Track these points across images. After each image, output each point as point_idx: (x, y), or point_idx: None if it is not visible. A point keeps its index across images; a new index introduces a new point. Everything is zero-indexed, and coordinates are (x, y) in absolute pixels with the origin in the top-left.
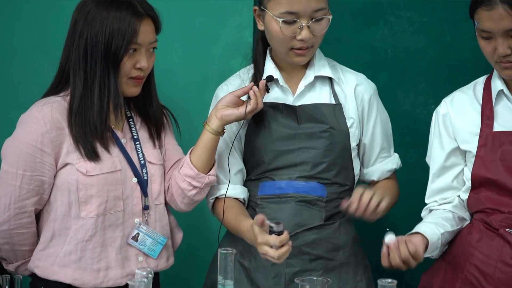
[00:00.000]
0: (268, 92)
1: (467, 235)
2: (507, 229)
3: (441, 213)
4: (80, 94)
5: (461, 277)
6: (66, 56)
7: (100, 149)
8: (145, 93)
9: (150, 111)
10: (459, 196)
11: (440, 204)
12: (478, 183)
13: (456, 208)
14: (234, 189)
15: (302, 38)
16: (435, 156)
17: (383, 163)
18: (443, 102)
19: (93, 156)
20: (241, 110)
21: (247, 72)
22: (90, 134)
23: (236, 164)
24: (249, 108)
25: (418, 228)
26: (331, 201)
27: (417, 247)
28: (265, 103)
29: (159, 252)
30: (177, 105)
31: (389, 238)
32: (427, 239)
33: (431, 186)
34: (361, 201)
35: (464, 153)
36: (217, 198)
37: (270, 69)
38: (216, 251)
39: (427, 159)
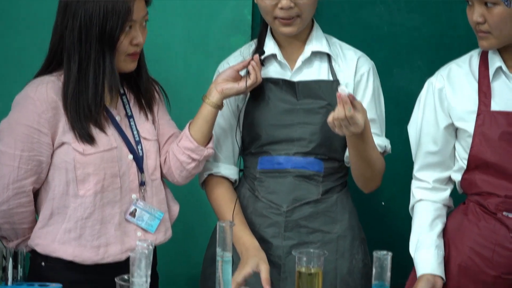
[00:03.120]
0: (263, 65)
1: (463, 217)
2: (504, 213)
3: (435, 217)
4: (75, 77)
5: (458, 259)
6: (58, 38)
7: (95, 131)
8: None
9: (140, 83)
10: (449, 177)
11: (431, 189)
12: (474, 165)
13: (447, 200)
14: (229, 169)
15: (282, 6)
16: (428, 130)
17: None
18: (438, 75)
19: (88, 139)
20: (241, 84)
21: (248, 48)
22: (84, 118)
23: (233, 144)
24: (249, 82)
25: (430, 267)
26: (328, 176)
27: None
28: (264, 79)
29: (157, 226)
30: (177, 82)
31: (342, 89)
32: (443, 278)
33: (424, 160)
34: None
35: (455, 129)
36: (210, 174)
37: (269, 45)
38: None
39: (411, 127)
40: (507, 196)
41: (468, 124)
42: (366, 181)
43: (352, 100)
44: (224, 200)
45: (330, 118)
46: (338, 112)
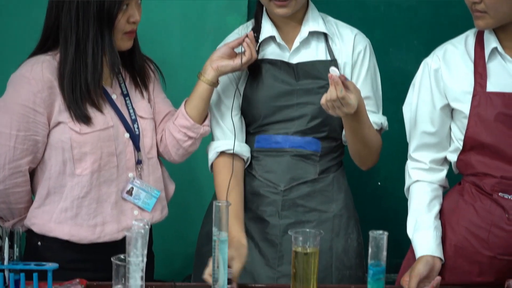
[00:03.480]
0: (257, 41)
1: (458, 198)
2: (500, 194)
3: (432, 198)
4: (72, 57)
5: (454, 240)
6: (53, 18)
7: (91, 110)
8: None
9: (134, 61)
10: (445, 158)
11: (428, 170)
12: (469, 146)
13: (443, 181)
14: (240, 146)
15: None
16: (424, 111)
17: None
18: (434, 56)
19: (84, 119)
20: (237, 61)
21: (245, 28)
22: (80, 98)
23: (242, 120)
24: (244, 59)
25: (429, 248)
26: (325, 156)
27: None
28: (263, 60)
29: (154, 205)
30: (173, 62)
31: (333, 69)
32: (442, 259)
33: (421, 140)
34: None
35: (451, 110)
36: (222, 152)
37: (267, 26)
38: (210, 202)
39: (405, 108)
40: (503, 177)
41: (463, 105)
42: (363, 159)
43: (343, 81)
44: (225, 188)
45: (323, 100)
46: (330, 94)
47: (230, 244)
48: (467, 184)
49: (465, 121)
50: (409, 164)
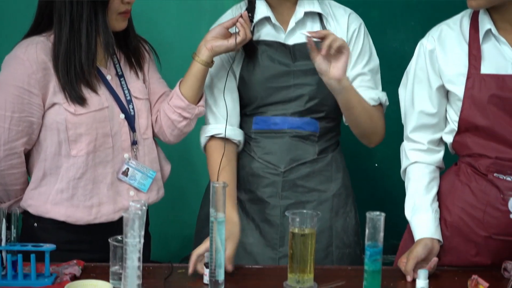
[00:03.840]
0: (252, 22)
1: (454, 178)
2: (495, 174)
3: (430, 180)
4: (66, 38)
5: (450, 220)
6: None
7: (85, 91)
8: None
9: (128, 41)
10: (441, 138)
11: (426, 151)
12: (464, 127)
13: (440, 162)
14: (233, 130)
15: None
16: (422, 91)
17: (364, 91)
18: (429, 36)
19: (79, 100)
20: (231, 41)
21: (238, 9)
22: (75, 78)
23: (235, 104)
24: (239, 39)
25: (428, 231)
26: (323, 136)
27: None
28: (259, 41)
29: (149, 185)
30: (169, 42)
31: (305, 34)
32: (440, 241)
33: (419, 121)
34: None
35: (447, 92)
36: (212, 136)
37: (261, 7)
38: (208, 185)
39: (401, 89)
40: (498, 157)
41: (458, 88)
42: (366, 136)
43: (317, 36)
44: (216, 168)
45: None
46: (326, 44)
47: None
48: (463, 165)
49: (460, 104)
50: (407, 145)
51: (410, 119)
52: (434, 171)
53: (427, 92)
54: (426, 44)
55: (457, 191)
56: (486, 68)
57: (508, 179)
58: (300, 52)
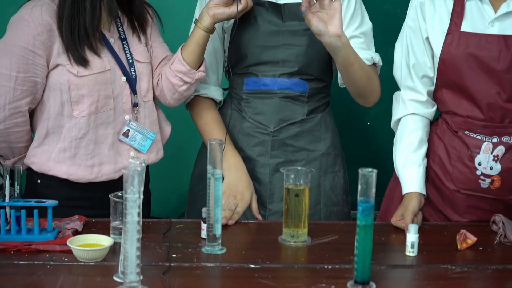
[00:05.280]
0: None
1: (433, 132)
2: (466, 132)
3: (425, 135)
4: (71, 0)
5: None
6: None
7: (89, 53)
8: None
9: (133, 6)
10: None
11: (424, 102)
12: (441, 83)
13: (432, 116)
14: (215, 90)
15: None
16: (415, 41)
17: (357, 52)
18: None
19: (82, 62)
20: (232, 9)
21: None
22: (79, 40)
23: (219, 66)
24: (240, 7)
25: (418, 186)
26: (312, 96)
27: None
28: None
29: (149, 146)
30: (170, 6)
31: None
32: (423, 194)
33: (420, 71)
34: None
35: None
36: (196, 96)
37: None
38: (202, 143)
39: (398, 43)
40: (469, 116)
41: (437, 46)
42: (363, 95)
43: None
44: (214, 124)
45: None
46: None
47: (235, 177)
48: (440, 120)
49: (437, 60)
50: (405, 95)
51: (412, 68)
52: (428, 126)
53: (422, 42)
54: None
55: (434, 145)
56: (467, 26)
57: (478, 137)
58: (290, 12)
